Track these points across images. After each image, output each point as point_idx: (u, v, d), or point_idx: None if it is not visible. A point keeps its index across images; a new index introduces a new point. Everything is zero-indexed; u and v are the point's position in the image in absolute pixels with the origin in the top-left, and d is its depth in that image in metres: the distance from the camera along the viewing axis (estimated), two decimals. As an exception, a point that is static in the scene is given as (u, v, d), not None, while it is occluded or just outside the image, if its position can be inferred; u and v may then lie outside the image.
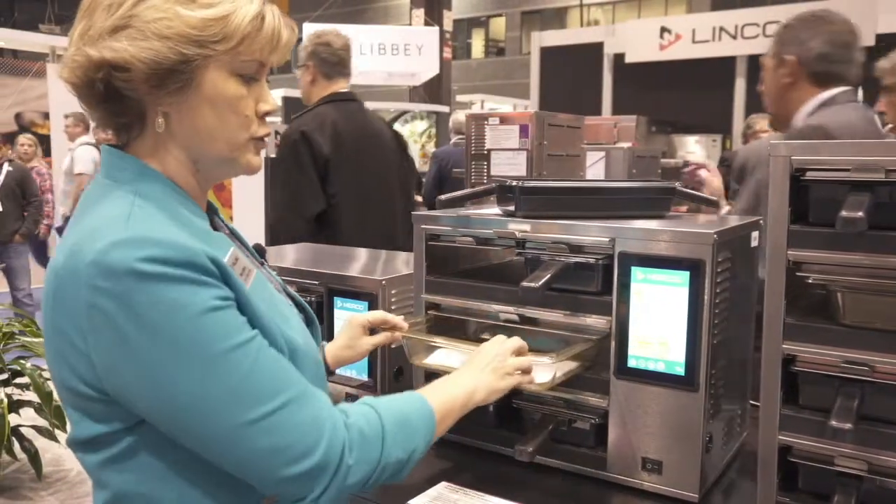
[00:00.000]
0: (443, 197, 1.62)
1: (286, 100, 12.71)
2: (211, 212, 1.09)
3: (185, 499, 0.93)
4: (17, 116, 8.77)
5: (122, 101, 0.93)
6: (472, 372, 1.17)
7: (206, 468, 0.91)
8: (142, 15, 0.90)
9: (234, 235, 1.13)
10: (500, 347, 1.22)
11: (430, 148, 11.96)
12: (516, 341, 1.24)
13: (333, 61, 2.85)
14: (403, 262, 1.83)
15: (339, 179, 2.67)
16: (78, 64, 0.91)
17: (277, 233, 2.65)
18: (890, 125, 2.42)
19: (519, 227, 1.40)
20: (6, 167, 5.66)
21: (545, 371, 1.28)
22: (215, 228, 1.05)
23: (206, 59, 0.91)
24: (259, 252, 1.17)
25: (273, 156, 2.90)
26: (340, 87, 2.88)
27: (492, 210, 1.55)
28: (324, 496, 0.89)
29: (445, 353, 1.40)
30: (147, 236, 0.85)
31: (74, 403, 0.93)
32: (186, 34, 0.89)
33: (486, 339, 1.46)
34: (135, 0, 0.90)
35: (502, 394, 1.19)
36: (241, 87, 0.96)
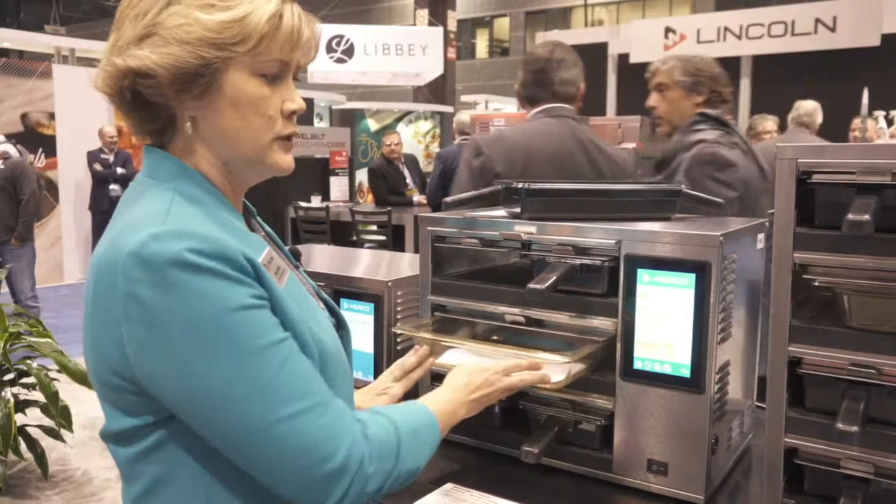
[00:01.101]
0: (448, 199, 1.62)
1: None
2: (248, 213, 1.11)
3: (213, 493, 0.94)
4: (23, 117, 8.80)
5: (151, 108, 0.95)
6: (466, 403, 1.21)
7: (234, 464, 0.93)
8: (165, 22, 0.91)
9: (270, 237, 1.14)
10: (494, 374, 1.25)
11: (435, 148, 11.98)
12: (508, 366, 1.28)
13: None
14: (409, 264, 1.84)
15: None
16: (107, 74, 0.94)
17: None
18: (661, 122, 2.63)
19: (525, 229, 1.41)
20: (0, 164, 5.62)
21: (559, 371, 1.29)
22: (252, 230, 1.07)
23: (226, 61, 0.92)
24: (295, 255, 1.18)
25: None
26: None
27: (497, 212, 1.56)
28: (344, 500, 0.91)
29: (458, 353, 1.40)
30: (185, 230, 0.87)
31: (107, 396, 0.95)
32: (205, 38, 0.91)
33: (495, 340, 1.47)
34: (159, 8, 0.92)
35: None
36: (264, 86, 0.96)
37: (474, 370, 1.25)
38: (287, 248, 1.18)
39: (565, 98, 2.38)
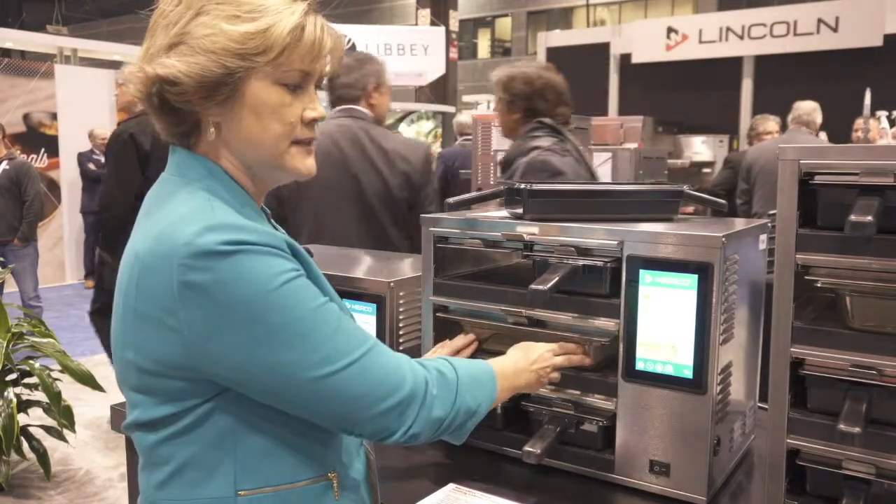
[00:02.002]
0: (451, 199, 1.62)
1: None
2: (266, 216, 1.14)
3: (240, 472, 0.98)
4: (25, 117, 8.80)
5: (177, 113, 1.00)
6: (524, 372, 1.28)
7: (266, 437, 0.99)
8: (193, 32, 0.96)
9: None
10: (547, 351, 1.34)
11: (436, 148, 11.97)
12: (558, 348, 1.37)
13: None
14: (411, 265, 1.84)
15: (154, 167, 3.58)
16: (138, 79, 0.99)
17: (109, 206, 3.66)
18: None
19: (527, 230, 1.41)
20: (3, 164, 5.62)
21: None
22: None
23: (248, 70, 0.96)
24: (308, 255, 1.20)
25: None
26: None
27: (500, 212, 1.56)
28: (413, 427, 1.00)
29: None
30: (230, 222, 0.93)
31: (145, 386, 0.98)
32: (229, 48, 0.94)
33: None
34: (188, 19, 0.96)
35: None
36: (286, 95, 0.99)
37: (531, 345, 1.35)
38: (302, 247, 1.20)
39: (349, 100, 2.63)
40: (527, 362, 1.29)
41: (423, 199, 2.64)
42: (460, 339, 1.50)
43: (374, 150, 2.56)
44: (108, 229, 3.84)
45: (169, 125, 1.03)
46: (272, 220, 1.17)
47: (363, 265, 1.98)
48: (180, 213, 0.95)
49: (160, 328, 0.93)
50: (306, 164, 1.05)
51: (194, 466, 0.98)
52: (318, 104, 1.04)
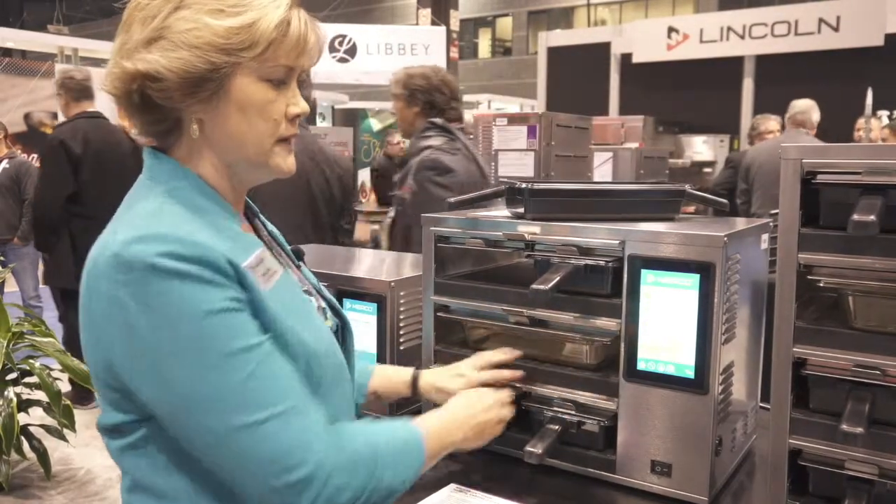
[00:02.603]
0: (452, 199, 1.62)
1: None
2: (252, 214, 1.13)
3: (197, 488, 0.94)
4: (26, 116, 8.81)
5: (158, 110, 0.96)
6: (463, 426, 1.18)
7: (201, 473, 0.93)
8: (173, 26, 0.92)
9: (273, 237, 1.16)
10: (492, 401, 1.25)
11: (437, 148, 11.97)
12: (505, 398, 1.28)
13: (79, 89, 4.33)
14: (412, 264, 1.84)
15: (87, 170, 4.13)
16: (116, 76, 0.95)
17: (39, 207, 4.10)
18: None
19: (528, 230, 1.40)
20: (4, 163, 5.62)
21: None
22: (257, 230, 1.10)
23: (233, 66, 0.93)
24: (297, 254, 1.18)
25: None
26: (87, 107, 4.36)
27: (501, 212, 1.55)
28: None
29: None
30: (167, 233, 0.88)
31: (100, 390, 0.96)
32: (214, 43, 0.91)
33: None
34: (167, 12, 0.93)
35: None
36: (271, 91, 0.97)
37: (478, 394, 1.26)
38: (291, 248, 1.18)
39: None
40: (468, 414, 1.20)
41: (350, 196, 3.24)
42: (498, 356, 1.41)
43: (319, 155, 2.92)
44: (40, 230, 4.21)
45: (148, 123, 0.99)
46: (261, 218, 1.15)
47: (364, 265, 1.98)
48: (124, 220, 0.93)
49: (98, 336, 0.91)
50: (288, 162, 1.02)
51: (153, 480, 0.95)
52: (300, 100, 1.01)
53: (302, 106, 1.01)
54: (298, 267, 1.17)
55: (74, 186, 4.13)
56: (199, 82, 0.92)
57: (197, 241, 0.88)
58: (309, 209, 2.92)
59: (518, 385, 1.40)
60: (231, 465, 0.88)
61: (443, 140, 2.75)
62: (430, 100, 2.83)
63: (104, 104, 4.94)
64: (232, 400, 0.87)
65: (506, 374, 1.40)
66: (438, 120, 2.81)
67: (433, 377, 1.39)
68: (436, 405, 1.32)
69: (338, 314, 1.18)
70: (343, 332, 1.17)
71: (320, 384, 0.98)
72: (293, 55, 0.97)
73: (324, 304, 1.15)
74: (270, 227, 1.17)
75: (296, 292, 1.04)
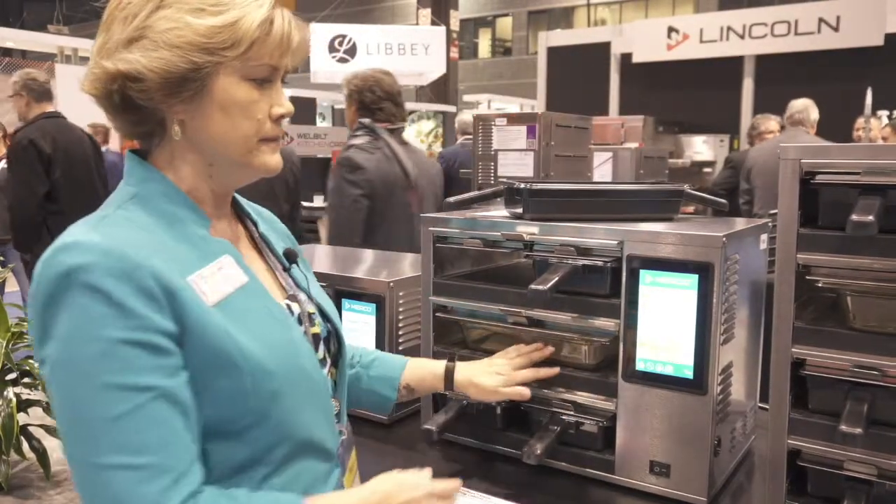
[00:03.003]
0: (451, 199, 1.62)
1: (293, 99, 12.73)
2: (243, 215, 1.11)
3: None
4: (25, 116, 8.79)
5: (139, 111, 0.95)
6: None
7: None
8: (154, 26, 0.91)
9: (265, 239, 1.12)
10: (421, 494, 1.00)
11: (437, 148, 11.97)
12: (440, 487, 1.03)
13: (41, 90, 4.48)
14: (411, 264, 1.84)
15: (58, 168, 4.25)
16: (96, 76, 0.93)
17: (15, 208, 4.17)
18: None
19: (527, 230, 1.40)
20: (3, 163, 5.61)
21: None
22: (248, 231, 1.09)
23: (216, 65, 0.92)
24: (288, 257, 1.13)
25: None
26: (48, 107, 4.52)
27: (500, 212, 1.55)
28: None
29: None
30: (97, 243, 0.85)
31: None
32: (196, 42, 0.90)
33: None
34: (148, 12, 0.91)
35: None
36: (254, 91, 0.96)
37: (403, 483, 1.01)
38: (284, 250, 1.14)
39: None
40: (380, 501, 0.97)
41: (299, 188, 3.67)
42: (534, 354, 1.39)
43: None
44: (19, 230, 4.25)
45: (129, 124, 0.97)
46: (254, 219, 1.12)
47: (363, 265, 1.97)
48: (77, 223, 0.91)
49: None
50: (274, 160, 1.00)
51: None
52: (285, 100, 1.00)
53: (287, 106, 1.00)
54: (288, 269, 1.13)
55: (48, 185, 4.22)
56: (180, 82, 0.91)
57: (125, 255, 0.85)
58: (265, 193, 3.15)
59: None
60: (86, 496, 0.84)
61: (366, 140, 2.88)
62: (361, 99, 2.97)
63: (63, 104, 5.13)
64: (94, 434, 0.82)
65: (543, 373, 1.38)
66: (366, 120, 2.93)
67: (469, 371, 1.36)
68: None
69: (329, 320, 1.14)
70: (334, 339, 1.14)
71: (275, 400, 0.93)
72: (277, 54, 0.96)
73: (312, 310, 1.11)
74: (264, 228, 1.14)
75: (259, 303, 0.98)
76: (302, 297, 1.10)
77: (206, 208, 1.01)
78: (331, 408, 1.09)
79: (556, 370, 1.39)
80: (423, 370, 1.37)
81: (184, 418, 0.86)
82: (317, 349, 1.09)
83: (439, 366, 1.37)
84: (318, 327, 1.11)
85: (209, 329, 0.89)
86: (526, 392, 1.35)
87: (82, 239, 0.86)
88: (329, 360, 1.13)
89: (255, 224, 1.13)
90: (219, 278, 0.94)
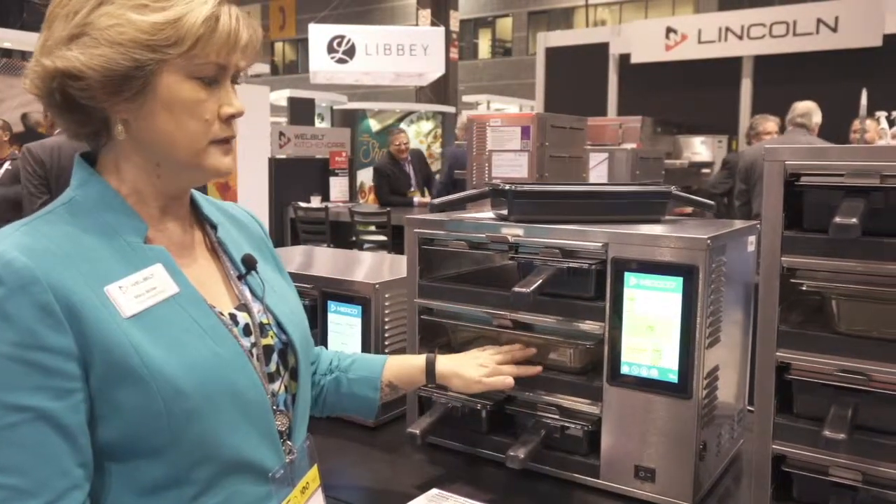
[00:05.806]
0: (436, 200, 1.61)
1: (291, 100, 12.71)
2: (202, 218, 1.07)
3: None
4: (24, 117, 8.79)
5: (82, 110, 0.93)
6: None
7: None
8: (96, 22, 0.89)
9: (222, 244, 1.08)
10: None
11: (436, 148, 11.96)
12: None
13: None
14: (397, 267, 1.82)
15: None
16: (36, 74, 0.91)
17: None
18: None
19: (511, 232, 1.39)
20: (6, 165, 5.60)
21: None
22: (215, 233, 1.07)
23: (159, 63, 0.89)
24: (245, 263, 1.08)
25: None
26: None
27: (486, 214, 1.54)
28: None
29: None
30: (2, 251, 0.84)
31: None
32: (138, 39, 0.88)
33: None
34: (90, 8, 0.89)
35: None
36: (200, 90, 0.93)
37: None
38: (244, 255, 1.09)
39: None
40: None
41: None
42: (518, 353, 1.39)
43: None
44: None
45: (74, 125, 0.95)
46: (212, 222, 1.08)
47: (349, 267, 1.96)
48: None
49: None
50: (225, 162, 0.97)
51: None
52: (235, 100, 0.97)
53: (237, 106, 0.97)
54: (240, 277, 1.07)
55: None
56: (122, 80, 0.89)
57: (24, 267, 0.82)
58: None
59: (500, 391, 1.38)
60: None
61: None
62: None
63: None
64: None
65: (525, 370, 1.37)
66: None
67: (452, 363, 1.34)
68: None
69: (284, 331, 1.08)
70: (291, 350, 1.08)
71: (191, 420, 0.88)
72: (224, 52, 0.93)
73: (265, 320, 1.06)
74: (224, 232, 1.09)
75: (185, 315, 0.93)
76: (256, 306, 1.06)
77: (151, 211, 0.98)
78: (271, 426, 1.00)
79: (538, 368, 1.38)
80: (404, 365, 1.34)
81: (66, 443, 0.83)
82: (268, 362, 1.04)
83: (420, 359, 1.35)
84: (272, 339, 1.05)
85: (115, 345, 0.85)
86: (510, 380, 1.34)
87: None
88: (285, 373, 1.07)
89: (214, 228, 1.09)
90: (142, 288, 0.90)
